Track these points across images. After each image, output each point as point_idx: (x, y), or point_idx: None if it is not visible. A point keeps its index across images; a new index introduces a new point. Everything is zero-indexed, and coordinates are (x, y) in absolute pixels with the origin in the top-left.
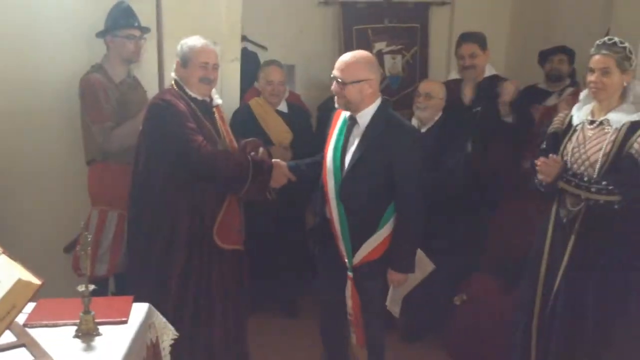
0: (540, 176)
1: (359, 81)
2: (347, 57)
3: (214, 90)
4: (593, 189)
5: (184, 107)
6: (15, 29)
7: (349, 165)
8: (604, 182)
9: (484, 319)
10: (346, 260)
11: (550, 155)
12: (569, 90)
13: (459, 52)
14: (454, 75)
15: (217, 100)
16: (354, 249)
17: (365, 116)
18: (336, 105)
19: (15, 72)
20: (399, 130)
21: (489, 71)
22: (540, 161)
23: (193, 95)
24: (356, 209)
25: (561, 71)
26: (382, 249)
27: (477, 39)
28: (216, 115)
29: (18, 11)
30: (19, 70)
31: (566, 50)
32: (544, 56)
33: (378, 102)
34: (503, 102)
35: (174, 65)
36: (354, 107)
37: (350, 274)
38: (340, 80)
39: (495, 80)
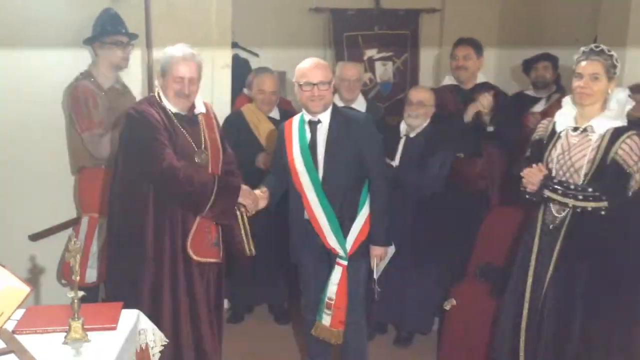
0: (525, 185)
1: (330, 82)
2: (313, 61)
3: (199, 97)
4: (580, 197)
5: (158, 118)
6: (2, 38)
7: (325, 161)
8: (590, 189)
9: (474, 323)
10: (339, 250)
11: (535, 164)
12: (556, 96)
13: (453, 52)
14: (449, 80)
15: (201, 109)
16: (344, 236)
17: (325, 115)
18: (315, 110)
19: (1, 81)
20: (357, 121)
21: (480, 79)
22: (525, 171)
23: (169, 107)
24: (339, 200)
25: (546, 78)
26: (366, 229)
27: (473, 43)
28: (202, 123)
29: (3, 18)
30: (4, 78)
31: (549, 57)
32: (528, 64)
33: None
34: (480, 112)
35: (155, 76)
36: (327, 107)
37: (344, 262)
38: (322, 82)
39: (485, 87)
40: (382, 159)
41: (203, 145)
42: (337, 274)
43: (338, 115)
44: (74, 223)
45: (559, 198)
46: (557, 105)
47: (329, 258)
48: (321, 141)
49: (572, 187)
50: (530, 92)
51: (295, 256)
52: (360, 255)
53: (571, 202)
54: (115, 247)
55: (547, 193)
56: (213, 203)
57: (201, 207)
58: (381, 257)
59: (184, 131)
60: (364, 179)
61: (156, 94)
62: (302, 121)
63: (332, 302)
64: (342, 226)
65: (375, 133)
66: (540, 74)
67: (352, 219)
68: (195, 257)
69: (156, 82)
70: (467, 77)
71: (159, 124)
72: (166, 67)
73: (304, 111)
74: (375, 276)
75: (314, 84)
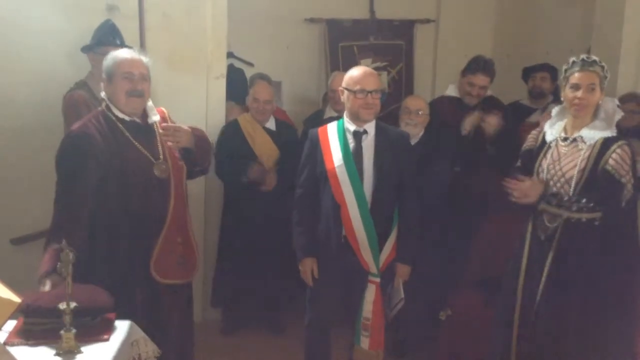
0: (520, 198)
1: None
2: (366, 69)
3: (150, 105)
4: (574, 208)
5: (98, 138)
6: None
7: (375, 175)
8: (583, 200)
9: (470, 333)
10: (373, 266)
11: (530, 177)
12: (552, 106)
13: (471, 79)
14: (452, 91)
15: (154, 117)
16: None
17: (371, 126)
18: (366, 118)
19: None
20: (398, 135)
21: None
22: (511, 183)
23: (121, 115)
24: (383, 214)
25: (543, 88)
26: (396, 247)
27: (491, 71)
28: (159, 132)
29: (2, 26)
30: (2, 86)
31: (549, 67)
32: (527, 73)
33: None
34: (482, 128)
35: (102, 85)
36: (376, 116)
37: (376, 279)
38: (377, 90)
39: (489, 101)
40: (416, 177)
41: (162, 156)
42: (371, 293)
43: (381, 127)
44: None
45: (553, 210)
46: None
47: (358, 276)
48: (367, 153)
49: (565, 198)
50: (526, 102)
51: (323, 271)
52: (391, 273)
53: (565, 213)
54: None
55: (542, 205)
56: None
57: None
58: (406, 275)
59: (136, 143)
60: (398, 194)
61: (103, 106)
62: (342, 129)
63: (369, 322)
64: (380, 243)
65: (412, 150)
66: (537, 84)
67: (386, 236)
68: (160, 280)
69: (102, 94)
70: (475, 102)
71: (91, 149)
72: (112, 68)
73: (346, 119)
74: (402, 296)
75: (369, 92)
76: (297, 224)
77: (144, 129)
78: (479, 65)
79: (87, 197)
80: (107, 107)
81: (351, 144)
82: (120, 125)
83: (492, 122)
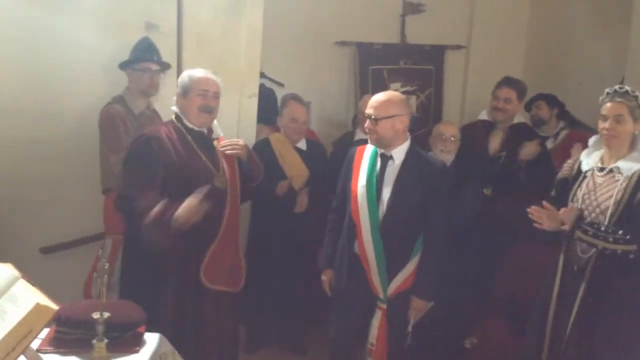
0: (545, 225)
1: (390, 117)
2: (379, 95)
3: (215, 123)
4: (610, 239)
5: (168, 143)
6: (36, 58)
7: (389, 200)
8: (620, 232)
9: None
10: (380, 291)
11: (548, 206)
12: (564, 132)
13: (496, 92)
14: (484, 115)
15: (219, 132)
16: (389, 279)
17: (399, 153)
18: (374, 147)
19: (35, 101)
20: (431, 166)
21: (517, 119)
22: (534, 209)
23: (190, 125)
24: (394, 241)
25: (540, 116)
26: (413, 278)
27: (517, 86)
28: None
29: (40, 40)
30: (39, 99)
31: (543, 96)
32: (527, 106)
33: (409, 139)
34: (521, 159)
35: (175, 98)
36: (386, 143)
37: (383, 305)
38: (373, 117)
39: (522, 128)
40: (447, 213)
41: (221, 171)
42: (377, 318)
43: (413, 156)
44: (89, 241)
45: (589, 239)
46: (567, 141)
47: (369, 299)
48: (389, 179)
49: (602, 228)
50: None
51: (335, 285)
52: (402, 304)
53: (601, 243)
54: (132, 272)
55: (578, 234)
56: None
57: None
58: (420, 310)
59: (201, 154)
60: (422, 228)
61: (173, 117)
62: (375, 152)
63: (373, 348)
64: (390, 269)
65: (447, 185)
66: (533, 112)
67: (402, 265)
68: (208, 285)
69: (173, 107)
70: (504, 119)
71: (161, 152)
72: (188, 84)
73: None
74: (409, 328)
75: (367, 117)
76: (327, 234)
77: (209, 142)
78: (503, 80)
79: (155, 186)
80: (178, 118)
81: (378, 168)
82: (189, 136)
83: (532, 149)
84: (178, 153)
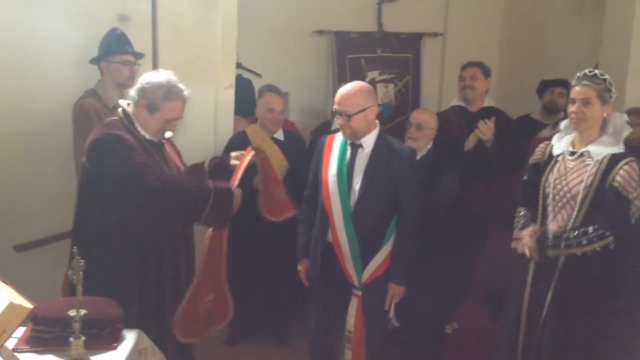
0: (523, 251)
1: (362, 110)
2: (345, 89)
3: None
4: (584, 242)
5: (133, 142)
6: (7, 53)
7: (360, 188)
8: (590, 230)
9: (475, 347)
10: (355, 279)
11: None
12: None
13: (461, 74)
14: (456, 101)
15: (167, 133)
16: (363, 267)
17: (369, 141)
18: (345, 138)
19: (7, 97)
20: (401, 153)
21: (486, 102)
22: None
23: (142, 133)
24: (366, 228)
25: (558, 104)
26: (386, 264)
27: (480, 65)
28: (166, 148)
29: (10, 35)
30: (11, 94)
31: (567, 84)
32: (545, 86)
33: (378, 126)
34: (481, 140)
35: (134, 97)
36: (360, 135)
37: (358, 292)
38: (344, 114)
39: (490, 111)
40: (417, 197)
41: (172, 170)
42: (353, 306)
43: (382, 143)
44: (64, 237)
45: (564, 252)
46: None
47: (344, 287)
48: (359, 167)
49: (571, 235)
50: (536, 116)
51: (311, 275)
52: (377, 290)
53: (578, 250)
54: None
55: (550, 252)
56: (211, 208)
57: (199, 215)
58: (398, 295)
59: (158, 159)
60: (394, 214)
61: (122, 118)
62: (344, 141)
63: (351, 335)
64: (363, 256)
65: (415, 170)
66: (554, 98)
67: (374, 252)
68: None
69: (125, 104)
70: (474, 96)
71: (135, 146)
72: (160, 105)
73: None
74: (390, 315)
75: (337, 112)
76: (299, 224)
77: (157, 145)
78: (466, 63)
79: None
80: (129, 120)
81: (348, 156)
82: (142, 140)
83: (483, 129)
84: (140, 156)
